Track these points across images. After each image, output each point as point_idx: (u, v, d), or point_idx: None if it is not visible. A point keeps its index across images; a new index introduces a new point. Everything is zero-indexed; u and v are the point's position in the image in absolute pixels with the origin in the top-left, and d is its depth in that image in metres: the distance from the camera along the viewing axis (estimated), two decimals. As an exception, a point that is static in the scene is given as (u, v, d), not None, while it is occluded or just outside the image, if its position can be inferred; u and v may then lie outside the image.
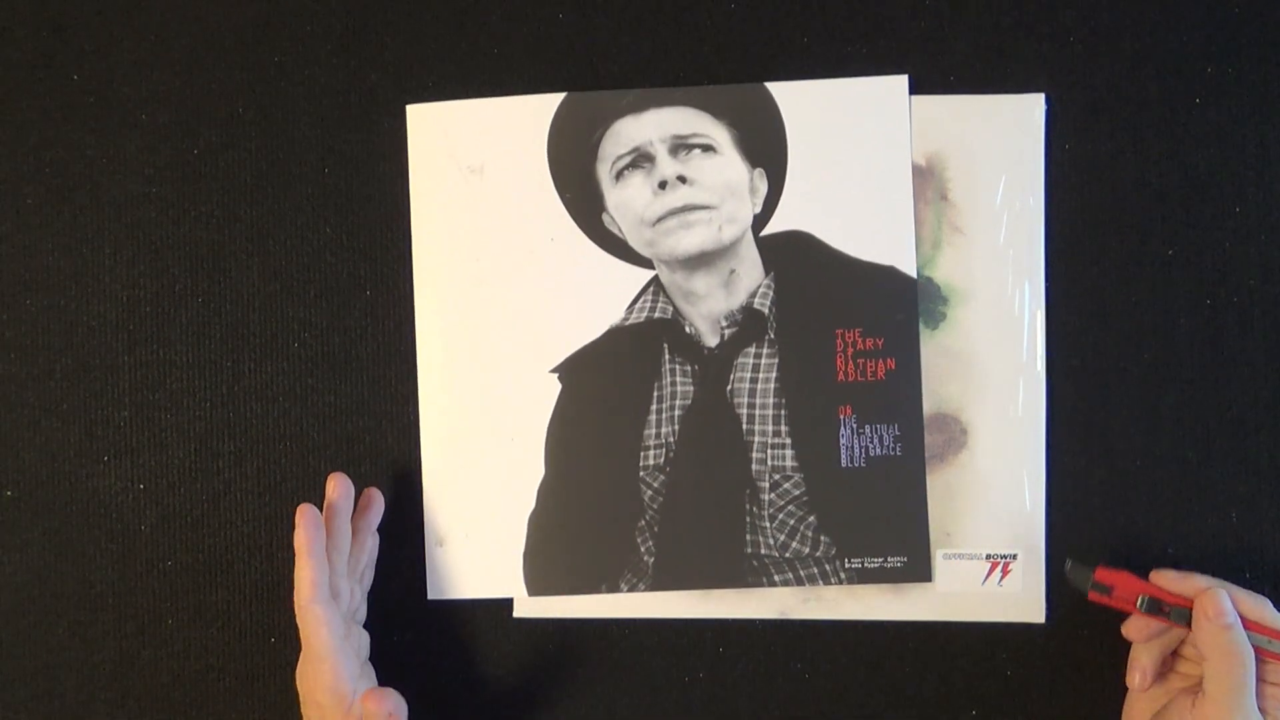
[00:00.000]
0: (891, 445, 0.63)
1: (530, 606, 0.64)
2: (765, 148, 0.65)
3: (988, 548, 0.63)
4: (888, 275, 0.64)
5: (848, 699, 0.64)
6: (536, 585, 0.64)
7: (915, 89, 0.64)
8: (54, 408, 0.65)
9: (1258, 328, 0.64)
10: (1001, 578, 0.63)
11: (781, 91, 0.64)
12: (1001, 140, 0.64)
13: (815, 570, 0.63)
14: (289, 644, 0.65)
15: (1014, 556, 0.63)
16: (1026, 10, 0.64)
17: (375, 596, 0.64)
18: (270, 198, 0.65)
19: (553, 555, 0.64)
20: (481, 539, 0.64)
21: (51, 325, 0.65)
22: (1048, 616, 0.63)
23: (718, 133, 0.65)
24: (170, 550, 0.65)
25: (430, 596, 0.64)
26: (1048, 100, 0.63)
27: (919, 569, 0.63)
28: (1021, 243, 0.63)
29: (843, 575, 0.63)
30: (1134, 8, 0.64)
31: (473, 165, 0.65)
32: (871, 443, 0.64)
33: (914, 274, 0.64)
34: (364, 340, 0.65)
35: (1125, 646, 0.60)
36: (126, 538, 0.65)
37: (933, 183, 0.64)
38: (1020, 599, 0.63)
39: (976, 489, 0.64)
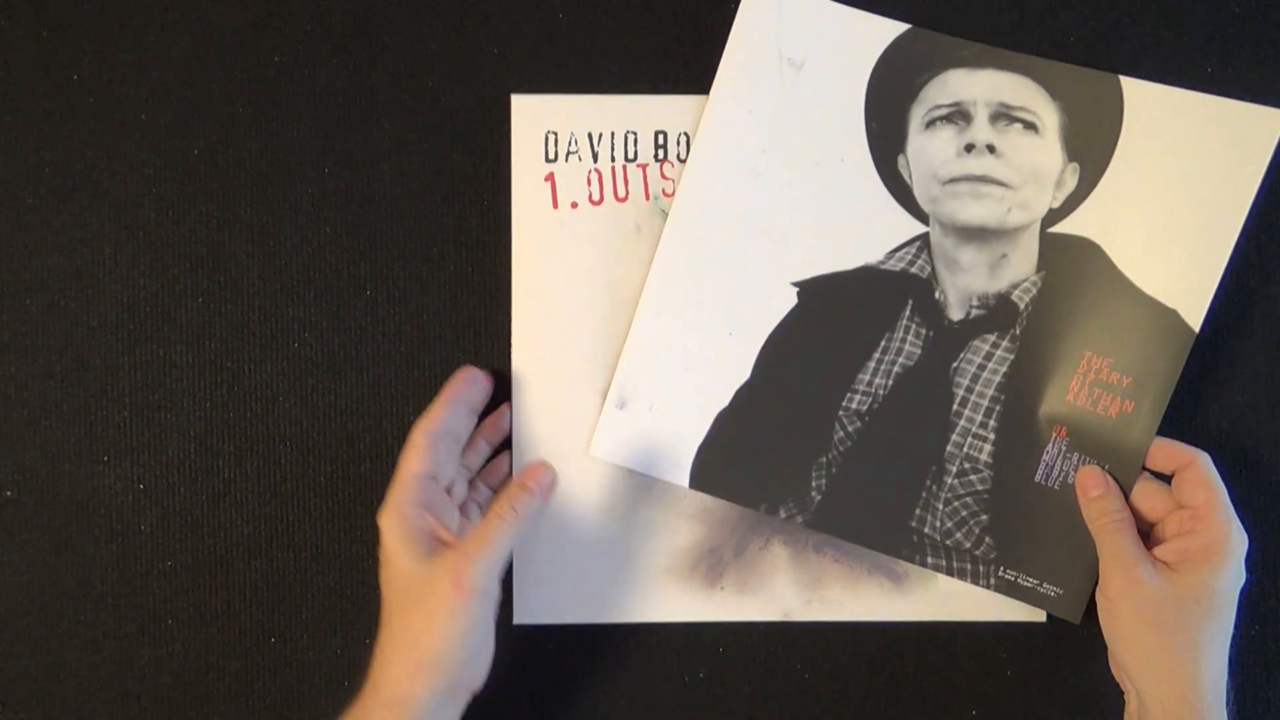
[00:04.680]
0: None
1: (529, 613, 0.64)
2: (1091, 143, 0.61)
3: (988, 548, 0.63)
4: (1167, 318, 0.60)
5: (848, 699, 0.64)
6: (701, 480, 0.63)
7: None
8: (54, 408, 0.65)
9: (1258, 328, 0.64)
10: (1003, 578, 0.63)
11: (1135, 89, 0.61)
12: None
13: (968, 567, 0.62)
14: (289, 644, 0.65)
15: (1015, 556, 0.63)
16: None
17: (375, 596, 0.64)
18: (270, 198, 0.65)
19: (727, 457, 0.63)
20: (666, 415, 0.63)
21: (51, 325, 0.65)
22: (1048, 616, 0.63)
23: (1047, 113, 0.61)
24: (170, 550, 0.65)
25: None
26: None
27: (1070, 607, 0.61)
28: None
29: (993, 581, 0.62)
30: (1134, 8, 0.64)
31: (794, 59, 0.62)
32: (1075, 471, 0.61)
33: (1197, 327, 0.60)
34: (364, 340, 0.65)
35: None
36: (126, 538, 0.65)
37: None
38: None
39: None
